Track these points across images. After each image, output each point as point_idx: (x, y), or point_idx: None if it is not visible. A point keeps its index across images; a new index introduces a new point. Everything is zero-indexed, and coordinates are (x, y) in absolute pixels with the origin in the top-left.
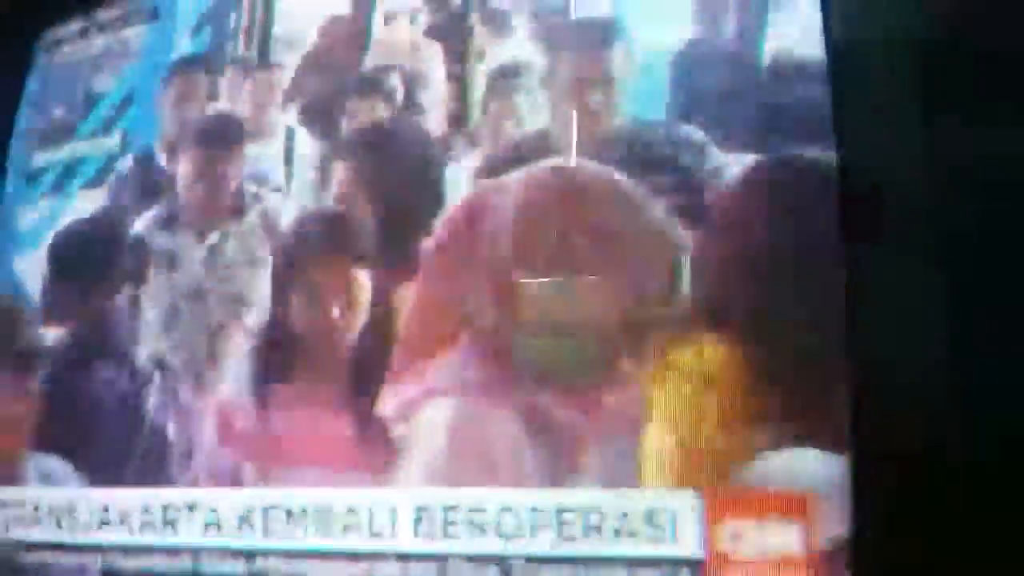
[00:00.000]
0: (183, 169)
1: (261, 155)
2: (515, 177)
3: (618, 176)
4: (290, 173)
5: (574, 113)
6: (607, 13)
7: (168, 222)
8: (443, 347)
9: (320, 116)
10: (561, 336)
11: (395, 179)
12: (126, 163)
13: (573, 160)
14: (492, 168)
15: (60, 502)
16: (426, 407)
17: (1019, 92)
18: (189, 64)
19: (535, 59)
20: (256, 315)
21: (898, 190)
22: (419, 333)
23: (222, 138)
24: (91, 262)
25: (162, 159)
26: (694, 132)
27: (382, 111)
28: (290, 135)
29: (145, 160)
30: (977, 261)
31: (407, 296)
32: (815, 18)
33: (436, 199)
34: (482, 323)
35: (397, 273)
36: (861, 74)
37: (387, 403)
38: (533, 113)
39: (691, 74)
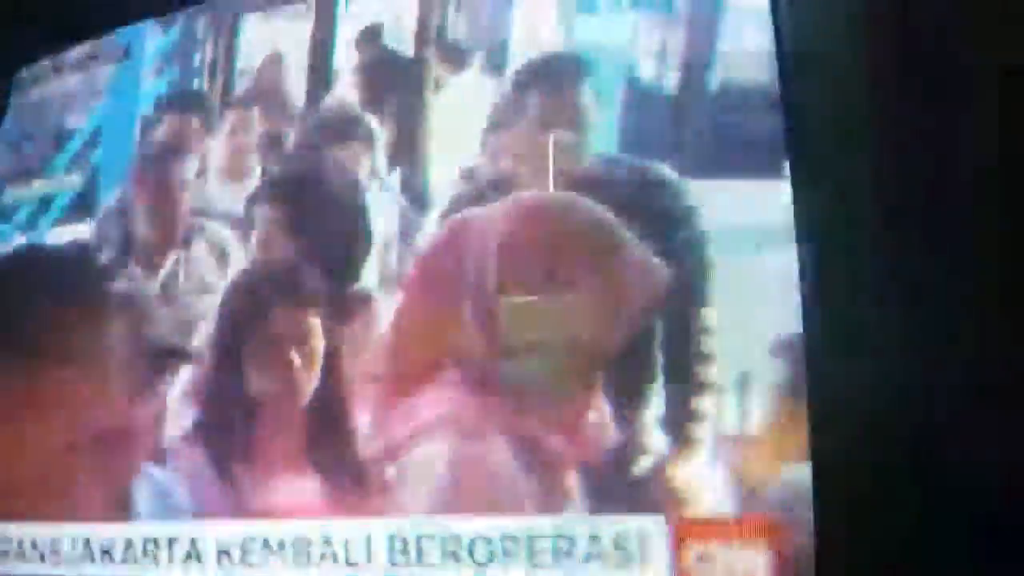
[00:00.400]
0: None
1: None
2: (499, 205)
3: (599, 207)
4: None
5: (547, 149)
6: (560, 46)
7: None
8: (426, 380)
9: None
10: (545, 358)
11: (320, 221)
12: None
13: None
14: (456, 205)
15: (44, 537)
16: (418, 445)
17: (965, 113)
18: (169, 104)
19: (494, 93)
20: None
21: (849, 214)
22: (399, 368)
23: (166, 167)
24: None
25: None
26: (663, 169)
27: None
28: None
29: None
30: (926, 280)
31: (354, 337)
32: (764, 44)
33: (365, 238)
34: (468, 352)
35: (339, 315)
36: (811, 99)
37: (372, 444)
38: (496, 149)
39: (642, 104)
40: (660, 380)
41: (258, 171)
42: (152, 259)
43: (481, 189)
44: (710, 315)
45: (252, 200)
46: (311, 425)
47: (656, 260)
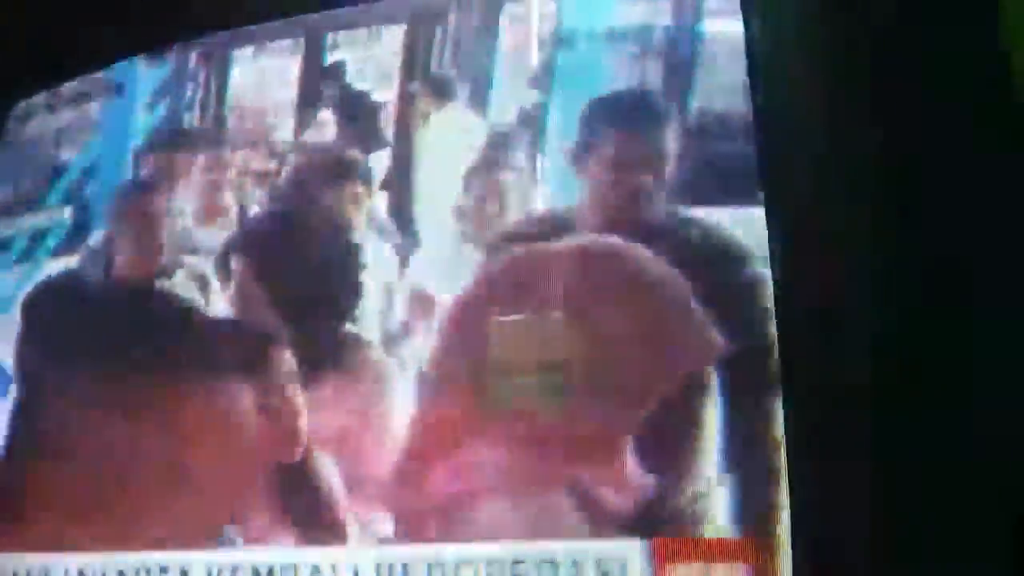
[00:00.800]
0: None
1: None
2: (563, 245)
3: (666, 263)
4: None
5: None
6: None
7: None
8: (465, 440)
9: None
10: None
11: (301, 272)
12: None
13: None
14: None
15: (35, 566)
16: (474, 513)
17: (939, 152)
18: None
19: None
20: None
21: (824, 242)
22: (432, 431)
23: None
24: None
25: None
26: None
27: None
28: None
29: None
30: (904, 306)
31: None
32: (739, 75)
33: (353, 289)
34: (520, 405)
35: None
36: (785, 128)
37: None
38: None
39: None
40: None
41: (234, 212)
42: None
43: (542, 229)
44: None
45: (229, 246)
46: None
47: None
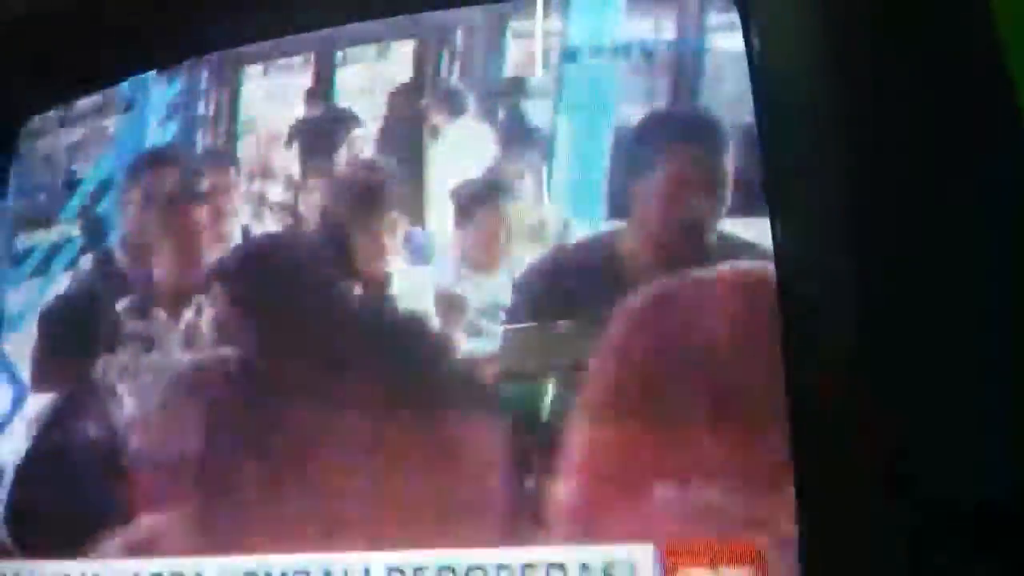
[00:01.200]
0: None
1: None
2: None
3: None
4: None
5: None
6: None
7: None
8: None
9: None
10: None
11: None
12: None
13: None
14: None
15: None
16: None
17: (947, 151)
18: (158, 157)
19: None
20: None
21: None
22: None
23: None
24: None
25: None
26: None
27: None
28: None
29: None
30: (910, 317)
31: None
32: (744, 84)
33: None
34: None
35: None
36: (790, 139)
37: None
38: None
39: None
40: None
41: (237, 235)
42: (174, 306)
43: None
44: None
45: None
46: None
47: None
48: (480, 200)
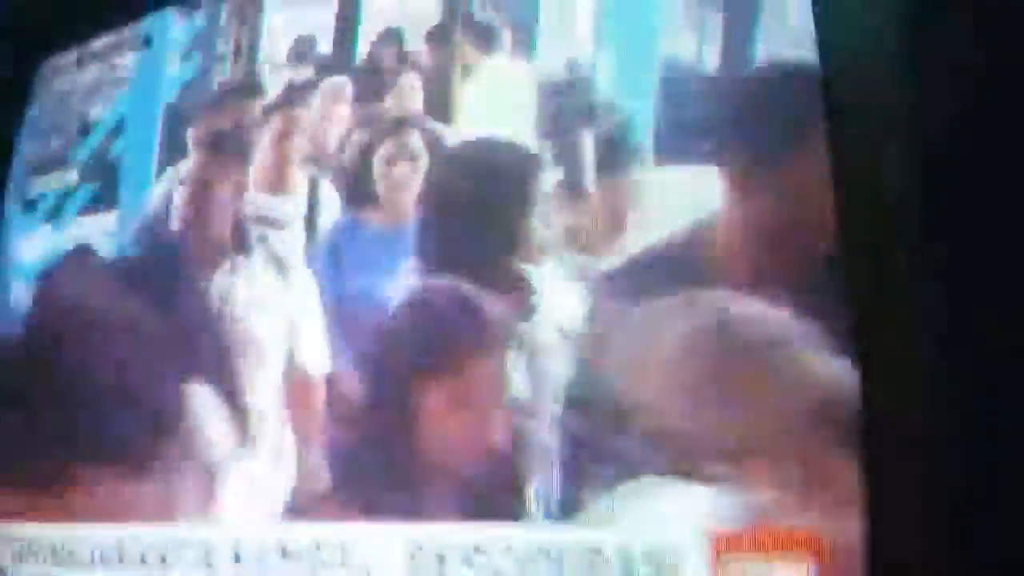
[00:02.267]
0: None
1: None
2: None
3: None
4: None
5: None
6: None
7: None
8: None
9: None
10: None
11: None
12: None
13: None
14: None
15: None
16: None
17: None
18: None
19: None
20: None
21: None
22: None
23: (223, 164)
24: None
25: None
26: None
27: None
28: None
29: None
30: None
31: None
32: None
33: None
34: None
35: None
36: (851, 76)
37: None
38: None
39: (680, 83)
40: None
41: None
42: (208, 261)
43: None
44: None
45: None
46: None
47: None
48: None
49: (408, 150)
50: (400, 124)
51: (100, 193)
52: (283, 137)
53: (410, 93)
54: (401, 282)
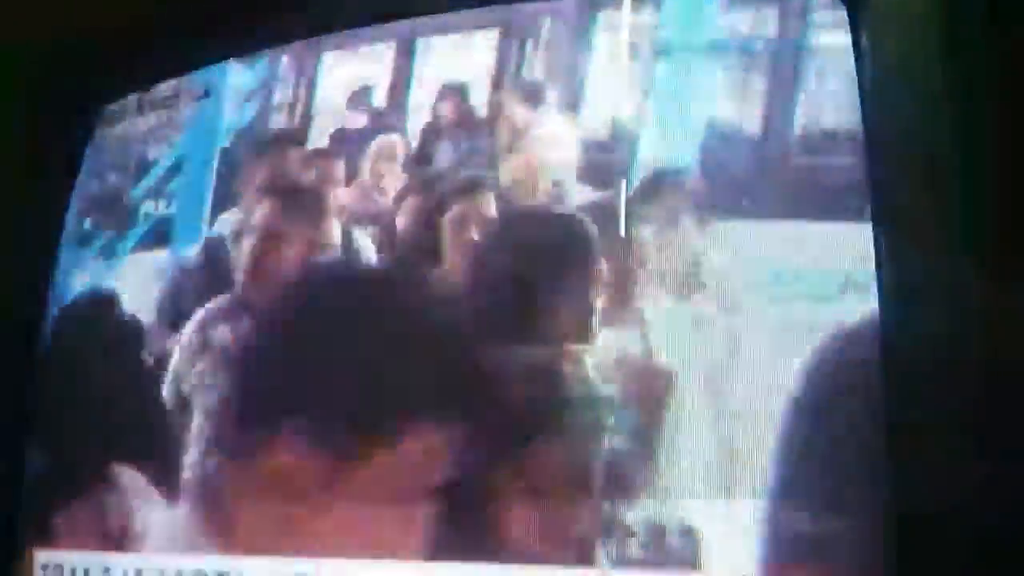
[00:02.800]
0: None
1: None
2: None
3: None
4: None
5: None
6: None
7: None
8: None
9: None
10: None
11: None
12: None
13: None
14: None
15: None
16: None
17: None
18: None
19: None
20: None
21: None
22: None
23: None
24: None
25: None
26: None
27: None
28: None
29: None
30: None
31: None
32: (847, 84)
33: None
34: None
35: None
36: (895, 141)
37: None
38: None
39: (722, 145)
40: None
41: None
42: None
43: None
44: None
45: None
46: None
47: None
48: None
49: (479, 214)
50: (473, 186)
51: (155, 231)
52: (327, 184)
53: (468, 150)
54: None
